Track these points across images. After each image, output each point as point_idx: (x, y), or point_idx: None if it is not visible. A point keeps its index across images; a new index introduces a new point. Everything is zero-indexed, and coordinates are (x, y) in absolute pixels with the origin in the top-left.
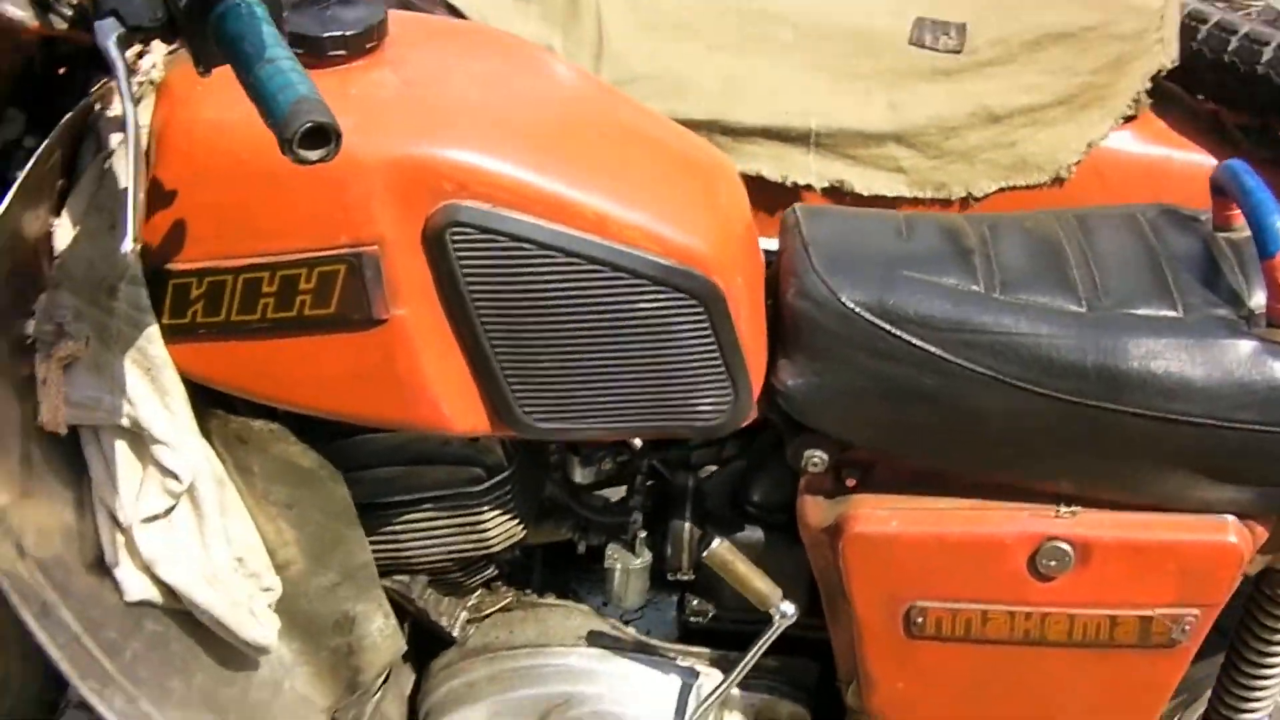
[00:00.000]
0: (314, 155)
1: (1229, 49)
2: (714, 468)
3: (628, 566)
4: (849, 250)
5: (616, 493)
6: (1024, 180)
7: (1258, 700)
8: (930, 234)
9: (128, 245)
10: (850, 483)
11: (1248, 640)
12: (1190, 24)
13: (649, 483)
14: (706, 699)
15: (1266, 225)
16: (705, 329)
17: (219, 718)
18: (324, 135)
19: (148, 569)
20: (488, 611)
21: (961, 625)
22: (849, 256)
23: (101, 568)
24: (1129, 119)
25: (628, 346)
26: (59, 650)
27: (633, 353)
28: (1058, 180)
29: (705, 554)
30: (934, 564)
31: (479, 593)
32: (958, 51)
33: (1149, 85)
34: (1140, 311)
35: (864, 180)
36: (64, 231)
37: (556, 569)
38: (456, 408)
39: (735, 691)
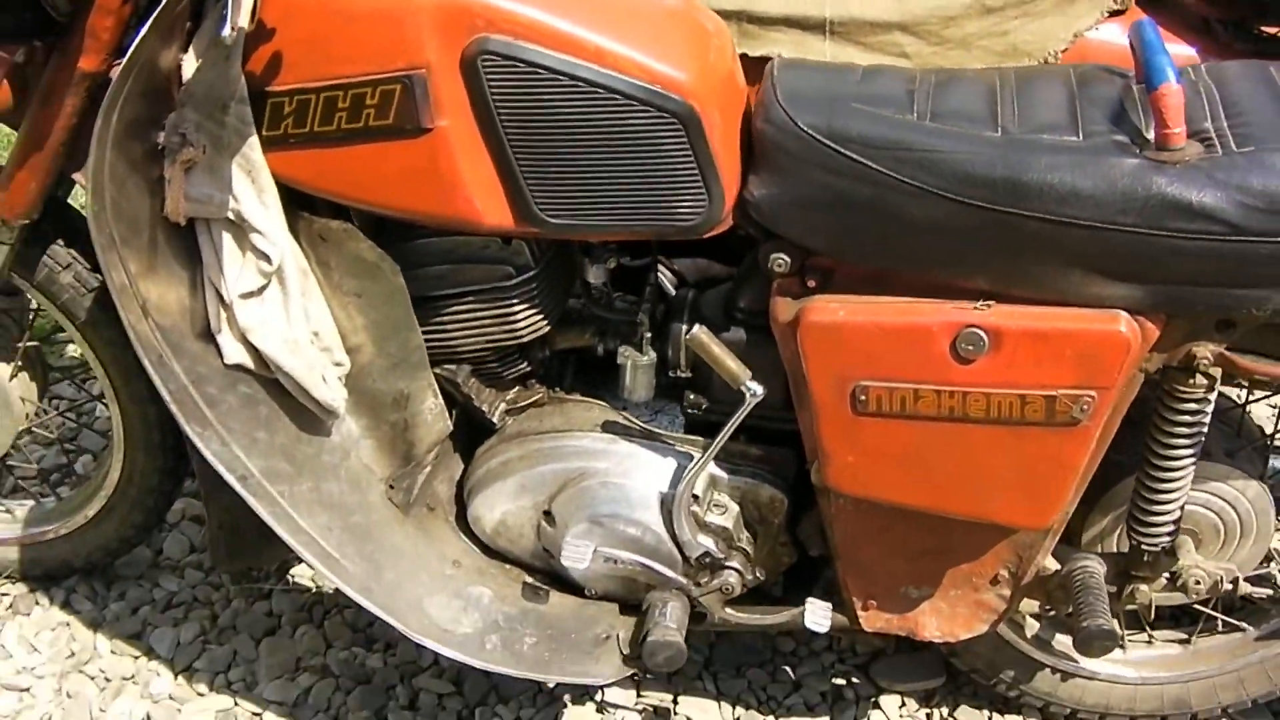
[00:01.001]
0: None
1: None
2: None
3: (637, 363)
4: (809, 89)
5: None
6: (1015, 65)
7: (1166, 493)
8: (882, 78)
9: (226, 30)
10: (811, 284)
11: (1153, 434)
12: None
13: (656, 293)
14: (691, 468)
15: (1152, 63)
16: (684, 144)
17: (295, 469)
18: None
19: (243, 337)
20: (522, 404)
21: (897, 402)
22: (808, 93)
23: (207, 334)
24: (1117, 13)
25: (621, 156)
26: (170, 395)
27: (625, 161)
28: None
29: (687, 337)
30: (874, 348)
31: (516, 388)
32: None
33: None
34: (1046, 137)
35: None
36: (190, 63)
37: (585, 375)
38: (487, 205)
39: (724, 475)
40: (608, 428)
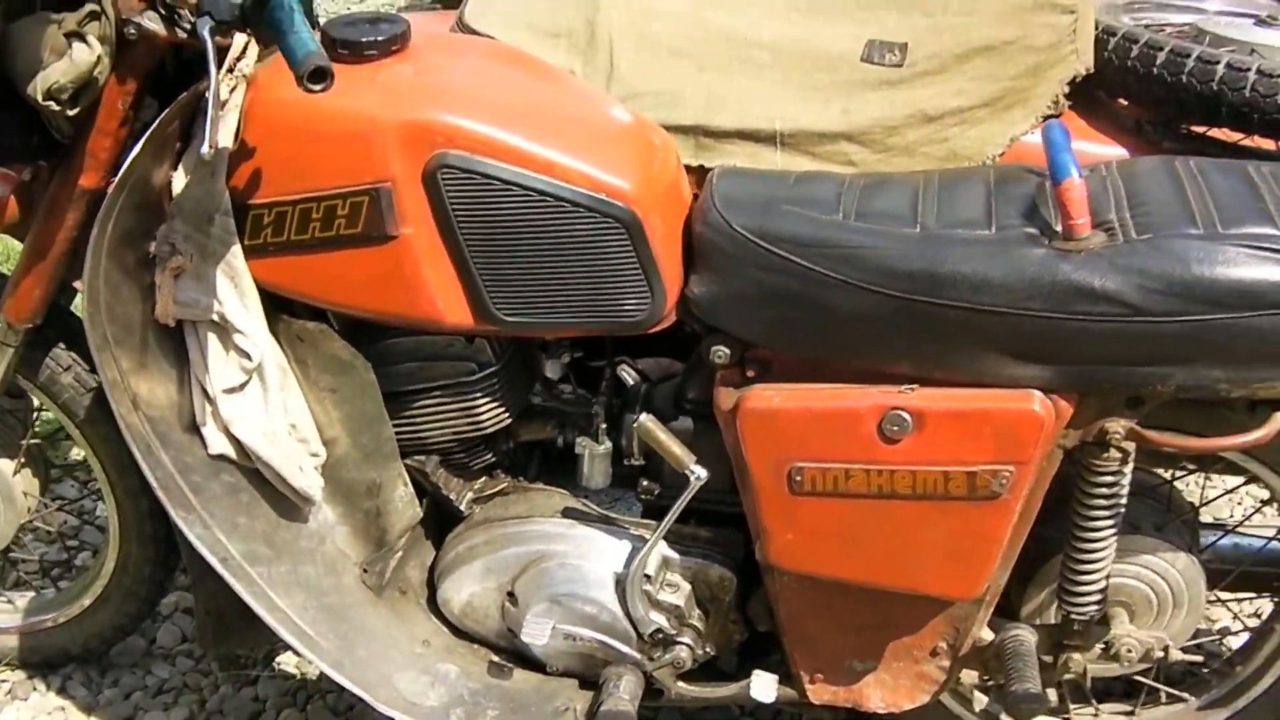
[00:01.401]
0: (317, 88)
1: (1132, 55)
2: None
3: (593, 453)
4: (744, 193)
5: None
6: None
7: (1090, 564)
8: (814, 183)
9: (205, 148)
10: (751, 374)
11: (1075, 507)
12: (1103, 37)
13: (612, 387)
14: (643, 550)
15: (1056, 160)
16: (627, 247)
17: (274, 553)
18: (324, 75)
19: (226, 429)
20: (489, 493)
21: (831, 481)
22: (743, 197)
23: (193, 427)
24: (1051, 117)
25: (570, 258)
26: (158, 482)
27: (574, 263)
28: None
29: (635, 425)
30: (807, 431)
31: (483, 478)
32: (900, 66)
33: (1067, 89)
34: (960, 231)
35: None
36: (179, 179)
37: (550, 466)
38: (449, 305)
39: (675, 556)
40: (567, 513)
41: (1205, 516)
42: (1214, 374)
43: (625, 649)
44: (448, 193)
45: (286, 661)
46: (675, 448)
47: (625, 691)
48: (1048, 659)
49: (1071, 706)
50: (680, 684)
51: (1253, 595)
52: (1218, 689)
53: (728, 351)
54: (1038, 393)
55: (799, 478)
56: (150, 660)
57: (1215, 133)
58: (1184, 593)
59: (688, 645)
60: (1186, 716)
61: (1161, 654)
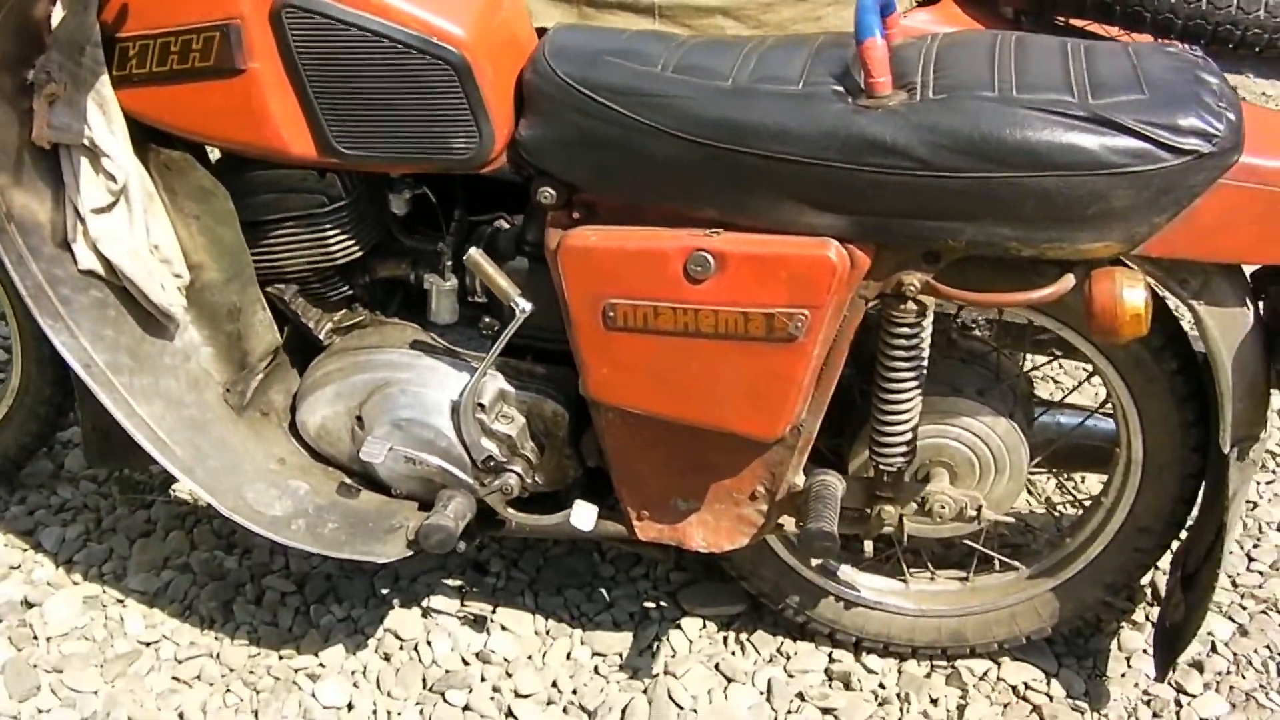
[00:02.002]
0: None
1: None
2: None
3: (440, 289)
4: (573, 45)
5: None
6: None
7: (893, 414)
8: (643, 39)
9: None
10: (576, 216)
11: (878, 359)
12: None
13: (461, 227)
14: (474, 378)
15: (860, 21)
16: (457, 89)
17: (136, 364)
18: None
19: (94, 246)
20: (347, 325)
21: (640, 318)
22: (571, 49)
23: (64, 244)
24: (927, 2)
25: (402, 96)
26: (27, 292)
27: (406, 101)
28: None
29: (465, 258)
30: (619, 269)
31: (343, 311)
32: None
33: None
34: (767, 86)
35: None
36: (58, 12)
37: (410, 303)
38: (293, 137)
39: (511, 389)
40: (415, 345)
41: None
42: (1003, 231)
43: (458, 473)
44: (292, 30)
45: (180, 489)
46: (501, 281)
47: (451, 510)
48: (863, 510)
49: (910, 572)
50: (511, 510)
51: (1084, 471)
52: (1047, 559)
53: (554, 193)
54: (834, 241)
55: (612, 314)
56: (56, 482)
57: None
58: (1005, 458)
59: (517, 474)
60: (1017, 585)
61: (974, 514)
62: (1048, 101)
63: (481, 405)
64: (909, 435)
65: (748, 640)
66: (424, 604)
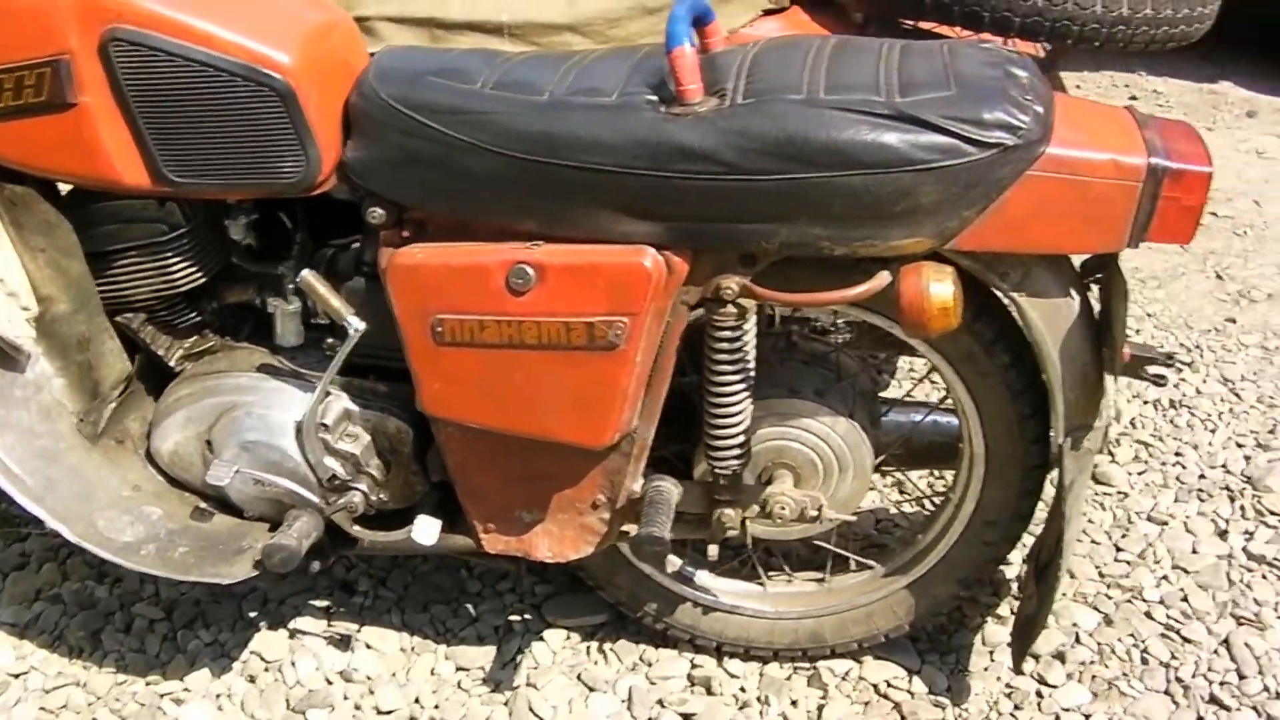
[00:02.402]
0: None
1: None
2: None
3: (284, 311)
4: (398, 67)
5: None
6: None
7: (722, 417)
8: (468, 58)
9: None
10: (406, 234)
11: (705, 363)
12: None
13: (303, 250)
14: (314, 398)
15: (670, 31)
16: (282, 114)
17: None
18: None
19: None
20: (197, 351)
21: (467, 332)
22: (396, 70)
23: None
24: (774, 11)
25: (229, 124)
26: None
27: (233, 128)
28: None
29: (298, 279)
30: (445, 285)
31: (193, 337)
32: None
33: None
34: (582, 99)
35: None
36: None
37: (260, 328)
38: (126, 167)
39: (355, 408)
40: (261, 369)
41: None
42: (815, 231)
43: (304, 493)
44: (119, 63)
45: None
46: (334, 301)
47: (296, 530)
48: (705, 514)
49: (770, 575)
50: (358, 528)
51: (933, 468)
52: (900, 557)
53: (382, 213)
54: (650, 249)
55: (440, 329)
56: None
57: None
58: (847, 457)
59: (362, 491)
60: (873, 583)
61: (816, 514)
62: (854, 101)
63: (325, 425)
64: (741, 438)
65: (611, 649)
66: (290, 625)
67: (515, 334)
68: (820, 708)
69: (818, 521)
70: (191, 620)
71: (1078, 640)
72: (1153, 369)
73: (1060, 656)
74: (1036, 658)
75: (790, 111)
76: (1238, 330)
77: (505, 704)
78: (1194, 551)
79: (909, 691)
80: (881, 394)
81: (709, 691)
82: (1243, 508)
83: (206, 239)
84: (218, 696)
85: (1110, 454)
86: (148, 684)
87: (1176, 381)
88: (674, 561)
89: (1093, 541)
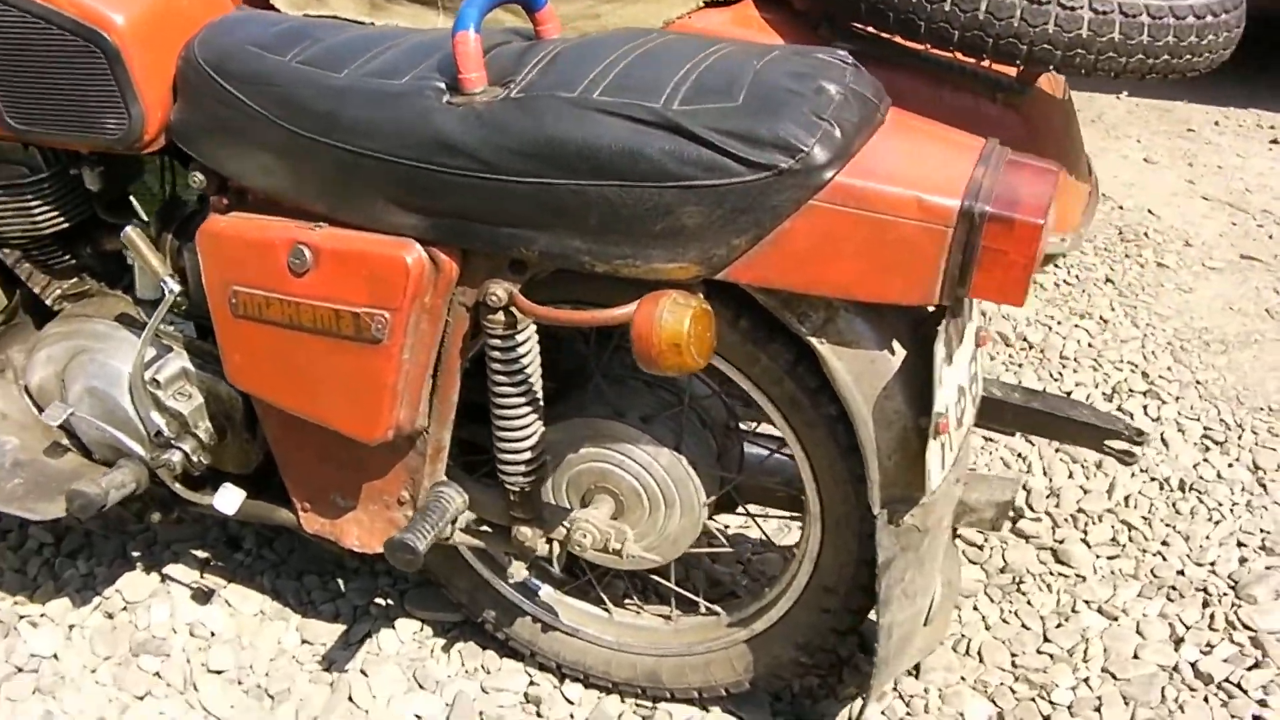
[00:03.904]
0: None
1: None
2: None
3: (139, 264)
4: (226, 34)
5: None
6: None
7: (505, 429)
8: (296, 29)
9: None
10: (224, 203)
11: (487, 365)
12: None
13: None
14: (137, 354)
15: (460, 11)
16: (106, 71)
17: None
18: None
19: None
20: (74, 292)
21: (256, 307)
22: (222, 37)
23: None
24: (722, 3)
25: (58, 75)
26: None
27: (61, 80)
28: None
29: (121, 235)
30: (240, 257)
31: (74, 279)
32: None
33: None
34: (374, 80)
35: None
36: None
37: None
38: None
39: (192, 368)
40: (120, 318)
41: None
42: (574, 244)
43: (132, 445)
44: None
45: None
46: (153, 260)
47: (107, 480)
48: (503, 529)
49: (626, 603)
50: (179, 486)
51: (783, 515)
52: (745, 609)
53: (202, 179)
54: (416, 243)
55: (235, 300)
56: None
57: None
58: (672, 492)
59: (184, 451)
60: (715, 631)
61: (619, 547)
62: (623, 105)
63: (158, 381)
64: (527, 455)
65: (457, 650)
66: (164, 571)
67: (295, 315)
68: None
69: (619, 556)
70: (76, 550)
71: None
72: (1117, 445)
73: None
74: None
75: (553, 110)
76: None
77: (330, 685)
78: (1134, 657)
79: None
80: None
81: (538, 713)
82: (1213, 616)
83: (67, 186)
84: (70, 628)
85: (1083, 531)
86: (14, 604)
87: (1198, 461)
88: (519, 572)
89: (1022, 626)
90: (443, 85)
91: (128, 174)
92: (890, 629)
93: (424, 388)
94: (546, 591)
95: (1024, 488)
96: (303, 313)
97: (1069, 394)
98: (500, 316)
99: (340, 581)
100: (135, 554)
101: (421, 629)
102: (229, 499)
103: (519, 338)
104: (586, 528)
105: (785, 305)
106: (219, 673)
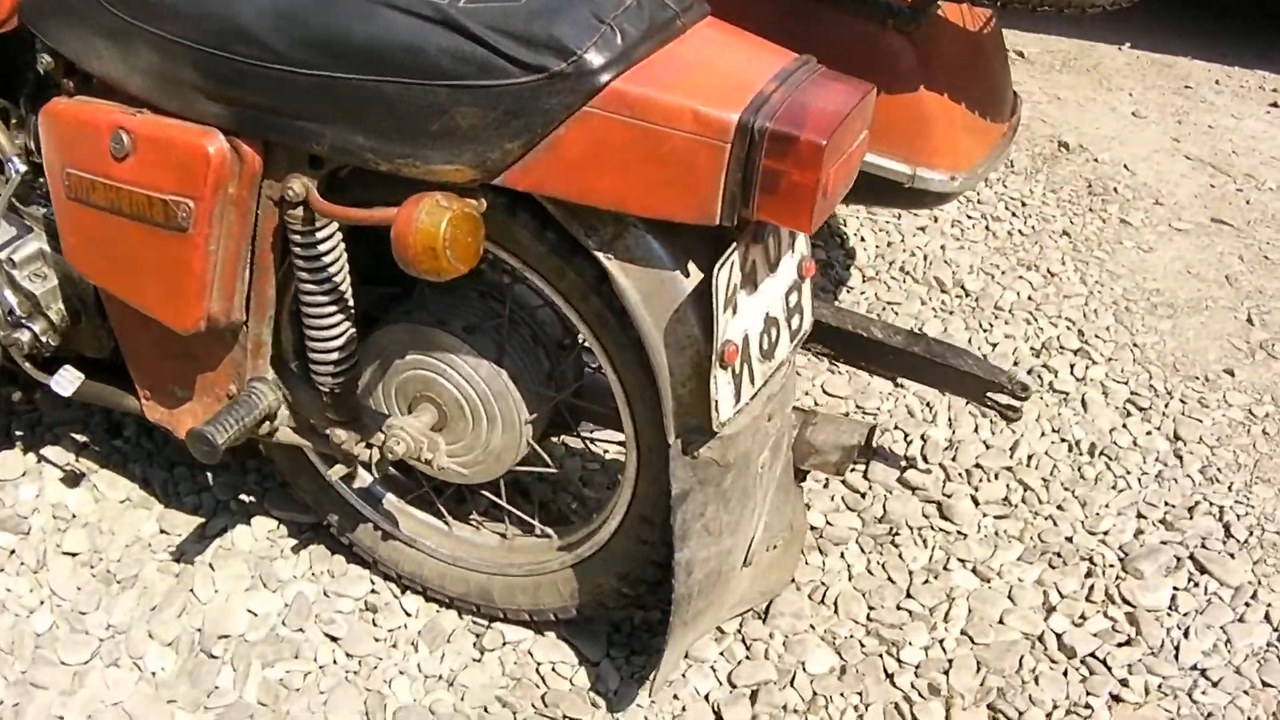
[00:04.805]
0: None
1: None
2: None
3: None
4: None
5: None
6: None
7: (314, 327)
8: None
9: None
10: (71, 86)
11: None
12: None
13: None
14: None
15: None
16: None
17: None
18: None
19: None
20: None
21: (85, 190)
22: None
23: None
24: None
25: None
26: None
27: None
28: None
29: None
30: (71, 140)
31: None
32: None
33: None
34: None
35: None
36: None
37: None
38: None
39: (50, 251)
40: None
41: None
42: (358, 140)
43: None
44: None
45: None
46: (2, 140)
47: None
48: (319, 430)
49: (454, 522)
50: (28, 365)
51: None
52: (575, 533)
53: (50, 60)
54: (219, 133)
55: (68, 183)
56: None
57: None
58: (492, 406)
59: (32, 331)
60: (546, 554)
61: (430, 457)
62: (411, 0)
63: (13, 261)
64: (335, 355)
65: (308, 553)
66: (41, 451)
67: (116, 200)
68: (465, 668)
69: (430, 466)
70: None
71: (791, 683)
72: (1000, 398)
73: (754, 695)
74: (734, 686)
75: (343, 3)
76: (1230, 385)
77: (176, 575)
78: (999, 622)
79: (569, 681)
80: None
81: (373, 621)
82: (1092, 588)
83: None
84: None
85: (974, 487)
86: None
87: (1115, 426)
88: (363, 477)
89: (888, 579)
90: None
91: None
92: (690, 565)
93: (239, 280)
94: (390, 500)
95: (921, 438)
96: (122, 198)
97: (995, 346)
98: (299, 212)
99: (209, 475)
100: (18, 433)
101: (277, 528)
102: (66, 381)
103: (319, 234)
104: (399, 435)
105: (573, 216)
106: (73, 555)
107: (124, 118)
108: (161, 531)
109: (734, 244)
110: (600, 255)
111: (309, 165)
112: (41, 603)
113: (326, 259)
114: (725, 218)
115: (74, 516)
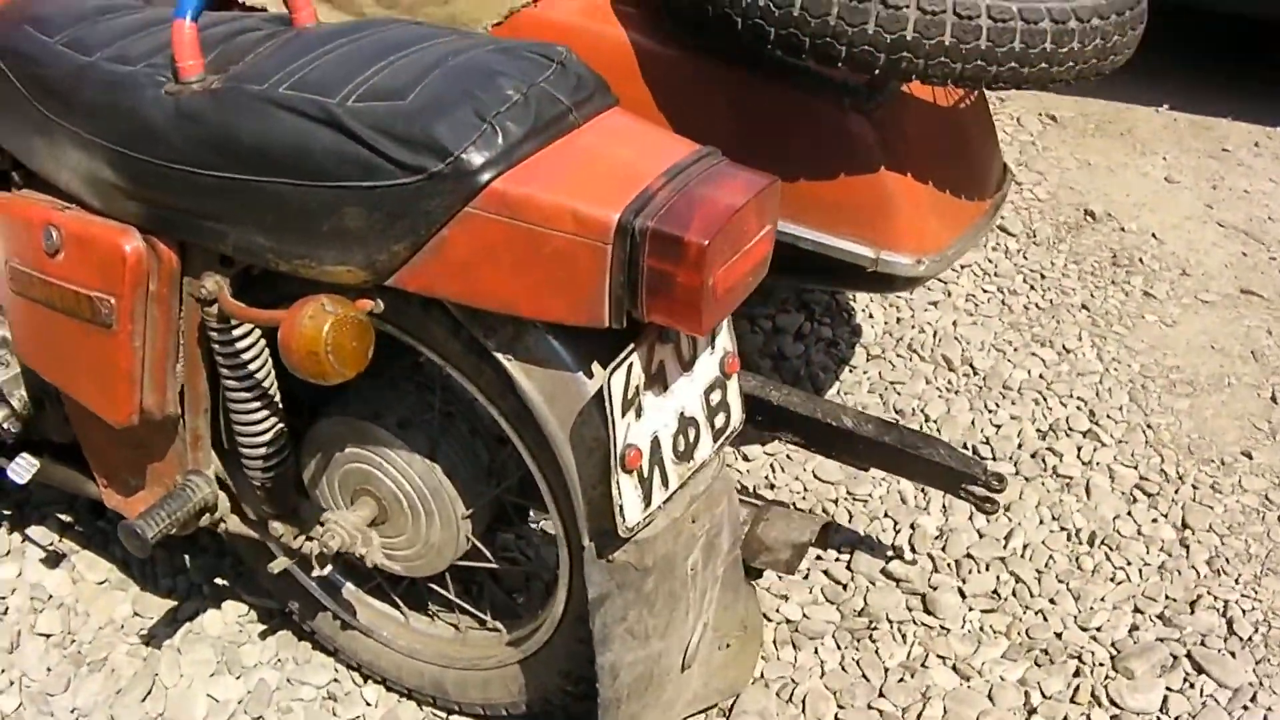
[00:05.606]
0: None
1: None
2: None
3: None
4: (16, 9)
5: None
6: None
7: (238, 423)
8: (94, 7)
9: None
10: (16, 179)
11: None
12: None
13: None
14: None
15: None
16: None
17: None
18: None
19: None
20: None
21: (23, 283)
22: (10, 11)
23: None
24: None
25: None
26: None
27: None
28: None
29: None
30: (11, 234)
31: None
32: None
33: None
34: (111, 65)
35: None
36: None
37: None
38: None
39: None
40: None
41: None
42: (259, 241)
43: None
44: None
45: None
46: None
47: None
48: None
49: (411, 613)
50: None
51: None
52: (522, 628)
53: None
54: (136, 231)
55: (10, 276)
56: None
57: None
58: (429, 500)
59: None
60: (495, 648)
61: (363, 552)
62: (300, 100)
63: None
64: (262, 450)
65: (275, 639)
66: (28, 531)
67: (49, 295)
68: None
69: (365, 561)
70: None
71: None
72: (976, 490)
73: None
74: None
75: (237, 104)
76: (1247, 469)
77: (144, 659)
78: None
79: None
80: None
81: (334, 711)
82: (1078, 688)
83: None
84: None
85: (962, 579)
86: None
87: (1120, 514)
88: (280, 565)
89: (862, 676)
90: (168, 74)
91: None
92: (614, 669)
93: (169, 374)
94: (349, 589)
95: (911, 526)
96: (54, 293)
97: (999, 428)
98: (214, 310)
99: (187, 557)
100: (6, 512)
101: (247, 613)
102: (21, 469)
103: (235, 332)
104: (335, 529)
105: (474, 317)
106: (46, 636)
107: (54, 214)
108: (135, 614)
109: (630, 346)
110: (500, 357)
111: (221, 264)
112: (11, 683)
113: (245, 355)
114: (614, 319)
115: (50, 598)
